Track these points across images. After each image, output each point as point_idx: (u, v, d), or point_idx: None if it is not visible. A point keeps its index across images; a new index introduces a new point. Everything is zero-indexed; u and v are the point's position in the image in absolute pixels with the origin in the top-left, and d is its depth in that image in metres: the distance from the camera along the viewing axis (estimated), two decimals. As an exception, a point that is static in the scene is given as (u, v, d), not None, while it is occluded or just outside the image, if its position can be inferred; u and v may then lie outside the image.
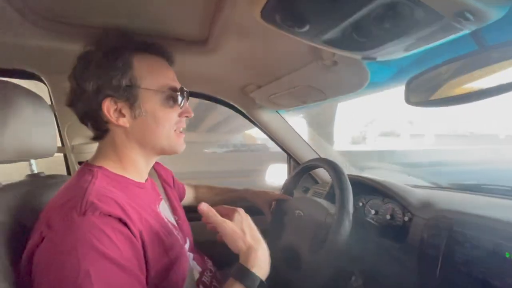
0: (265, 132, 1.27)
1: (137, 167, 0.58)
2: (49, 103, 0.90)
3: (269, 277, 0.55)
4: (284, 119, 1.27)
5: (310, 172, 1.36)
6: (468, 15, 0.35)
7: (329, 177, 0.82)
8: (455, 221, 0.66)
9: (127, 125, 0.53)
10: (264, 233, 1.29)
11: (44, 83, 0.86)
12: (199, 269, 0.70)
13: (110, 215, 0.42)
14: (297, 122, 1.30)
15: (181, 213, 0.77)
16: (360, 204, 1.05)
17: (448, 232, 0.65)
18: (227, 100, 1.16)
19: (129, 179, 0.56)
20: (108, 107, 0.51)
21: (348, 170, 1.34)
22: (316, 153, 1.36)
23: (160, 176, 0.79)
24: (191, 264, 0.68)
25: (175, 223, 0.68)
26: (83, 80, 0.50)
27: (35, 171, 0.69)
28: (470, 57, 0.48)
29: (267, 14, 0.43)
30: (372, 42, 0.47)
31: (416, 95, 0.62)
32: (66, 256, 0.38)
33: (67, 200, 0.44)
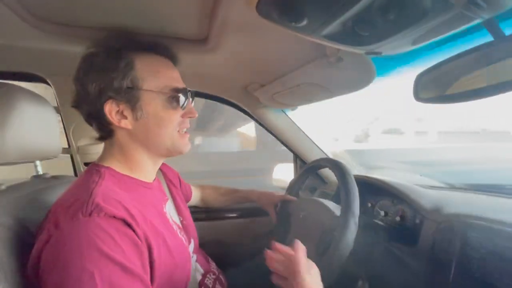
0: (270, 132, 1.25)
1: (144, 168, 0.58)
2: (55, 104, 0.92)
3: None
4: (290, 118, 1.24)
5: (318, 172, 1.33)
6: (480, 2, 0.32)
7: None
8: (470, 225, 0.62)
9: (130, 127, 0.53)
10: (269, 234, 1.29)
11: (50, 86, 0.88)
12: (202, 271, 0.69)
13: (115, 217, 0.42)
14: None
15: (187, 213, 0.77)
16: (369, 205, 1.02)
17: (462, 236, 0.61)
18: (231, 100, 1.15)
19: (136, 179, 0.56)
20: (110, 109, 0.51)
21: (356, 170, 1.31)
22: (324, 152, 1.33)
23: (166, 177, 0.79)
24: (194, 266, 0.67)
25: (180, 224, 0.67)
26: (86, 82, 0.50)
27: (40, 172, 0.70)
28: (485, 50, 0.44)
29: (263, 9, 0.41)
30: (376, 35, 0.44)
31: (426, 92, 0.58)
32: (70, 256, 0.38)
33: (74, 201, 0.44)
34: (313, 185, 1.37)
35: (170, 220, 0.60)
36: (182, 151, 0.59)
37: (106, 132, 0.55)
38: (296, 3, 0.38)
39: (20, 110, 0.58)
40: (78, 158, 1.04)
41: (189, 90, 0.58)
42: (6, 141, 0.55)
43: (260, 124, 1.24)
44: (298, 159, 1.36)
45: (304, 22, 0.41)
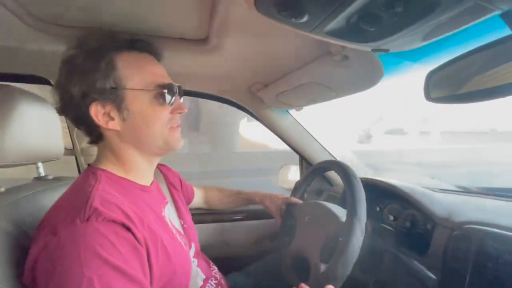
0: (275, 133, 1.23)
1: (139, 169, 0.57)
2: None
3: (276, 284, 0.52)
4: (295, 119, 1.22)
5: (324, 174, 1.30)
6: (499, -9, 0.28)
7: None
8: (486, 233, 0.58)
9: (118, 128, 0.52)
10: (273, 237, 1.26)
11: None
12: (203, 276, 0.68)
13: (113, 221, 0.42)
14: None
15: (187, 216, 0.76)
16: (377, 209, 0.98)
17: (478, 245, 0.57)
18: (234, 100, 1.13)
19: (133, 182, 0.55)
20: (96, 112, 0.50)
21: (363, 172, 1.27)
22: (331, 154, 1.29)
23: (166, 179, 0.78)
24: (195, 270, 0.66)
25: (179, 228, 0.66)
26: (69, 86, 0.48)
27: (42, 174, 0.70)
28: (503, 45, 0.40)
29: (261, 5, 0.39)
30: (383, 31, 0.41)
31: (437, 91, 0.55)
32: (69, 263, 0.37)
33: (71, 205, 0.44)
34: (319, 188, 1.34)
35: (169, 224, 0.58)
36: (174, 147, 0.57)
37: (95, 135, 0.54)
38: (295, -3, 0.36)
39: (21, 112, 0.58)
40: (82, 159, 1.04)
41: (177, 85, 0.56)
42: (7, 142, 0.55)
43: (265, 125, 1.22)
44: (304, 161, 1.33)
45: (305, 18, 0.39)
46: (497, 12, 0.34)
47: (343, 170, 0.72)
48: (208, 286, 0.67)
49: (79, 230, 0.39)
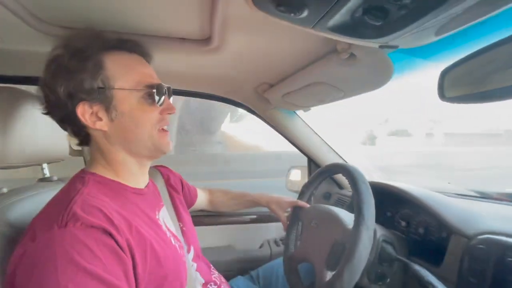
0: (282, 134, 1.20)
1: (130, 171, 0.56)
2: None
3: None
4: (303, 120, 1.19)
5: (333, 177, 1.26)
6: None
7: None
8: (506, 244, 0.53)
9: (105, 128, 0.51)
10: (279, 241, 1.23)
11: None
12: (202, 280, 0.66)
13: (93, 226, 0.40)
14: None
15: (187, 219, 0.74)
16: (388, 214, 0.94)
17: (498, 257, 0.53)
18: (240, 101, 1.12)
19: (124, 185, 0.54)
20: (83, 112, 0.49)
21: (376, 175, 1.22)
22: (340, 156, 1.25)
23: (166, 181, 0.77)
24: (193, 275, 0.64)
25: (176, 231, 0.65)
26: (55, 86, 0.47)
27: (47, 175, 0.71)
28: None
29: (259, 1, 0.37)
30: (390, 25, 0.38)
31: (452, 90, 0.51)
32: (45, 270, 0.36)
33: (52, 211, 0.43)
34: (328, 191, 1.30)
35: (164, 227, 0.57)
36: (163, 150, 0.56)
37: (82, 136, 0.53)
38: (293, -9, 0.34)
39: (25, 114, 0.59)
40: (90, 161, 1.06)
41: (166, 86, 0.55)
42: (11, 144, 0.56)
43: (272, 126, 1.20)
44: (312, 163, 1.30)
45: (305, 14, 0.37)
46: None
47: (350, 173, 0.69)
48: None
49: (56, 236, 0.38)
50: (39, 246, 0.38)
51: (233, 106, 1.18)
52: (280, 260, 1.01)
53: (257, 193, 1.03)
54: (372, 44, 0.44)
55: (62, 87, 0.47)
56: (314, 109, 1.08)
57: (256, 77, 0.90)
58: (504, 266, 0.51)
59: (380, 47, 0.45)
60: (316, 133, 1.22)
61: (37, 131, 0.62)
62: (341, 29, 0.40)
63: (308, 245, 0.79)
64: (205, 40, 0.67)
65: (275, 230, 1.24)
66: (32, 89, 0.63)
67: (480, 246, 0.57)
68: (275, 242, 1.24)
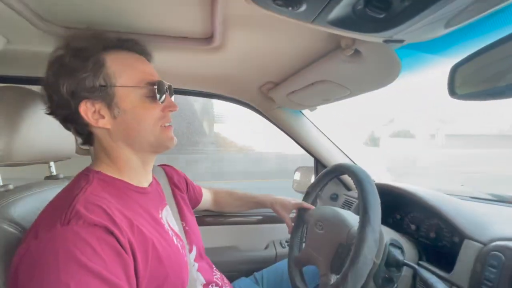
0: (288, 134, 1.19)
1: (133, 169, 0.56)
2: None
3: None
4: (309, 120, 1.17)
5: (340, 178, 1.23)
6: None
7: None
8: None
9: (108, 126, 0.51)
10: (284, 242, 1.21)
11: None
12: (204, 281, 0.65)
13: (95, 224, 0.40)
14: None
15: (191, 219, 0.74)
16: (398, 217, 0.90)
17: None
18: (246, 101, 1.11)
19: (127, 183, 0.54)
20: (85, 110, 0.49)
21: (384, 177, 1.18)
22: (348, 157, 1.22)
23: (170, 179, 0.77)
24: (194, 275, 0.64)
25: (179, 230, 0.64)
26: (57, 85, 0.48)
27: (54, 173, 0.72)
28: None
29: (256, -5, 0.36)
30: (394, 18, 0.36)
31: (464, 86, 0.48)
32: (47, 268, 0.37)
33: (56, 208, 0.43)
34: (335, 192, 1.27)
35: (166, 226, 0.57)
36: (167, 145, 0.56)
37: (85, 134, 0.54)
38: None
39: (32, 113, 0.60)
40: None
41: (167, 84, 0.56)
42: (18, 142, 0.57)
43: (277, 126, 1.18)
44: (319, 164, 1.28)
45: (303, 7, 0.35)
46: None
47: (355, 173, 0.67)
48: None
49: (58, 234, 0.38)
50: (42, 243, 0.38)
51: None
52: (285, 262, 0.99)
53: (262, 194, 1.02)
54: (376, 38, 0.42)
55: (65, 86, 0.48)
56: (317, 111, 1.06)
57: (260, 76, 0.89)
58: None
59: (385, 41, 0.43)
60: (323, 133, 1.19)
61: (44, 129, 0.63)
62: (342, 23, 0.38)
63: (313, 248, 0.77)
64: (207, 39, 0.67)
65: (281, 231, 1.22)
66: (38, 89, 0.64)
67: (495, 252, 0.53)
68: (281, 243, 1.22)
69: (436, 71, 0.63)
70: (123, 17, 0.59)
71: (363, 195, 0.62)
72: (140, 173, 0.58)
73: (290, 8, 0.36)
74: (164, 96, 0.54)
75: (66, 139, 0.70)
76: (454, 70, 0.47)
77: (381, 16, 0.35)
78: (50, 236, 0.39)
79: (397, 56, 0.56)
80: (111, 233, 0.41)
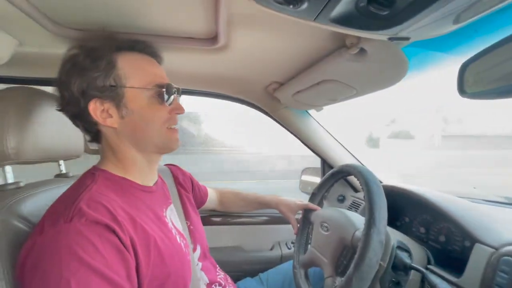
0: (294, 134, 1.18)
1: (139, 168, 0.57)
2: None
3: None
4: (316, 120, 1.15)
5: (347, 179, 1.22)
6: None
7: None
8: None
9: (116, 125, 0.52)
10: (290, 243, 1.20)
11: None
12: (207, 280, 0.66)
13: (97, 222, 0.41)
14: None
15: (195, 218, 0.74)
16: (406, 219, 0.88)
17: None
18: (252, 101, 1.11)
19: (132, 182, 0.55)
20: (94, 108, 0.51)
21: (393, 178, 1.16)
22: (355, 157, 1.20)
23: (176, 179, 0.78)
24: (198, 274, 0.64)
25: (183, 230, 0.65)
26: (69, 83, 0.50)
27: (63, 171, 0.74)
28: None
29: (257, -7, 0.36)
30: (398, 14, 0.35)
31: (474, 85, 0.46)
32: (49, 264, 0.37)
33: (61, 205, 0.44)
34: (342, 193, 1.25)
35: (170, 225, 0.57)
36: (172, 147, 0.57)
37: (93, 132, 0.55)
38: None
39: (42, 112, 0.62)
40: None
41: (175, 86, 0.57)
42: (28, 141, 0.59)
43: (283, 126, 1.17)
44: (325, 164, 1.26)
45: (305, 5, 0.35)
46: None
47: (361, 174, 0.65)
48: None
49: (61, 231, 0.39)
50: (46, 239, 0.39)
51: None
52: (290, 263, 0.98)
53: (268, 194, 1.01)
54: (380, 36, 0.41)
55: (76, 85, 0.49)
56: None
57: (265, 76, 0.89)
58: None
59: (390, 39, 0.42)
60: (330, 133, 1.18)
61: (54, 129, 0.65)
62: (345, 20, 0.38)
63: (318, 249, 0.76)
64: (212, 39, 0.67)
65: (287, 232, 1.21)
66: (49, 90, 0.66)
67: (507, 257, 0.51)
68: (286, 244, 1.21)
69: (444, 70, 0.61)
70: (129, 18, 0.60)
71: (369, 196, 0.61)
72: (146, 172, 0.59)
73: (291, 6, 0.35)
74: (172, 98, 0.55)
75: (75, 139, 0.72)
76: (464, 69, 0.46)
77: (385, 13, 0.34)
78: (54, 232, 0.40)
79: (404, 54, 0.54)
80: (113, 231, 0.42)
